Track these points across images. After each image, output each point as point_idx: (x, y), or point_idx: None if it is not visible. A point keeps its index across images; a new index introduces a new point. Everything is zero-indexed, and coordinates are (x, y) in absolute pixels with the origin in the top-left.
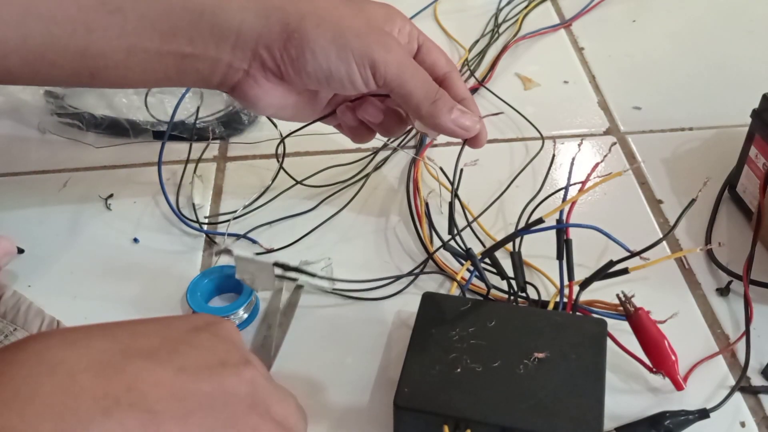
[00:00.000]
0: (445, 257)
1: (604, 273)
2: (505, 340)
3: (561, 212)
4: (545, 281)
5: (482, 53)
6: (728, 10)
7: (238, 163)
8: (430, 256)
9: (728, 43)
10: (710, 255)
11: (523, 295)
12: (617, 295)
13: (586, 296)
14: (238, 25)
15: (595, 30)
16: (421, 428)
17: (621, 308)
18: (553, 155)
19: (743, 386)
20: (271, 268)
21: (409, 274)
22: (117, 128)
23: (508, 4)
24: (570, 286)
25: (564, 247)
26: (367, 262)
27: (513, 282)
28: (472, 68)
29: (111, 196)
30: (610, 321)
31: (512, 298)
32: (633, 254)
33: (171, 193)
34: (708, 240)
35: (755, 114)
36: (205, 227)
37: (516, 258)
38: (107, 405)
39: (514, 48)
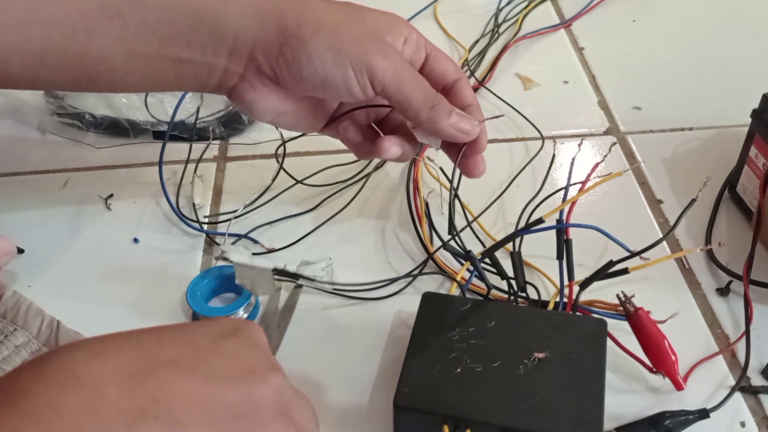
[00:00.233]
0: (445, 257)
1: (604, 273)
2: (505, 340)
3: (561, 212)
4: (545, 281)
5: (482, 53)
6: (728, 10)
7: (238, 163)
8: (431, 256)
9: (728, 43)
10: (710, 255)
11: (523, 295)
12: (617, 295)
13: (586, 296)
14: (236, 30)
15: (595, 30)
16: (421, 428)
17: (621, 308)
18: (553, 155)
19: (743, 386)
20: (270, 274)
21: (409, 274)
22: (117, 128)
23: (508, 4)
24: (570, 286)
25: (564, 247)
26: (367, 262)
27: (513, 282)
28: (472, 68)
29: (111, 196)
30: (610, 321)
31: (512, 298)
32: (633, 254)
33: (171, 193)
34: (708, 240)
35: (755, 114)
36: (205, 227)
37: (516, 258)
38: (133, 418)
39: (514, 48)
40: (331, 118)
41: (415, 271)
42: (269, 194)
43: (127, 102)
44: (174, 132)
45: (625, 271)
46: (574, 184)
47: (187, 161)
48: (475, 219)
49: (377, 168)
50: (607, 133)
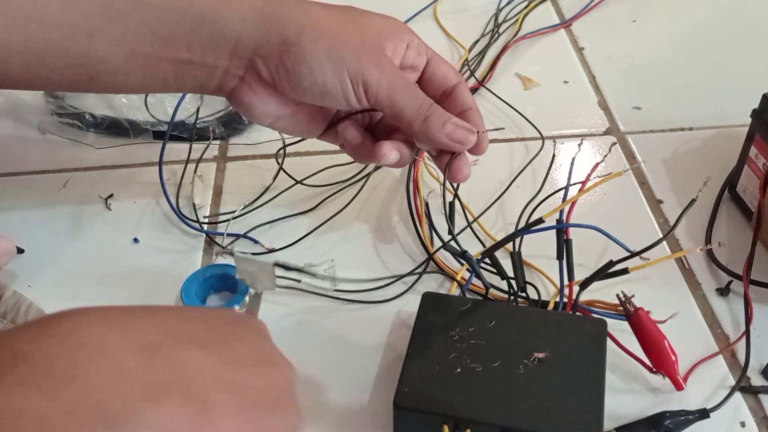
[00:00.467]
0: (445, 257)
1: (604, 273)
2: (505, 340)
3: (561, 212)
4: (545, 281)
5: (482, 53)
6: (728, 10)
7: (238, 163)
8: (431, 256)
9: (728, 43)
10: (710, 255)
11: (523, 295)
12: (617, 295)
13: (586, 296)
14: (237, 35)
15: (595, 30)
16: (421, 428)
17: (621, 308)
18: (553, 155)
19: (743, 386)
20: (272, 268)
21: (410, 274)
22: (117, 128)
23: (508, 4)
24: (570, 286)
25: (564, 247)
26: (367, 262)
27: (513, 282)
28: (472, 68)
29: (111, 196)
30: (610, 321)
31: (512, 298)
32: (633, 254)
33: (171, 193)
34: (708, 240)
35: (755, 114)
36: (205, 227)
37: (516, 258)
38: (155, 391)
39: (514, 48)
40: (330, 123)
41: (416, 272)
42: (269, 194)
43: (127, 102)
44: (174, 132)
45: (625, 271)
46: (574, 184)
47: (187, 161)
48: (475, 219)
49: (377, 168)
50: (607, 133)
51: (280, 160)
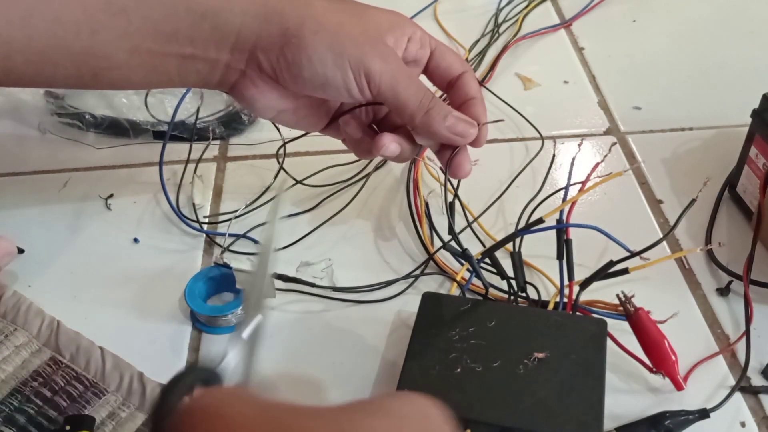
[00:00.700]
0: (445, 257)
1: (604, 273)
2: (505, 340)
3: (561, 212)
4: (545, 281)
5: (482, 53)
6: (728, 10)
7: (238, 163)
8: (431, 256)
9: (728, 43)
10: (710, 255)
11: (523, 295)
12: (617, 295)
13: (586, 296)
14: (239, 28)
15: (595, 30)
16: None
17: (621, 308)
18: (553, 155)
19: (743, 386)
20: (271, 278)
21: (409, 275)
22: (117, 128)
23: (508, 4)
24: (570, 286)
25: (564, 247)
26: (367, 262)
27: (513, 282)
28: (472, 68)
29: (111, 196)
30: (610, 321)
31: (512, 298)
32: (633, 254)
33: (171, 193)
34: (708, 240)
35: (755, 114)
36: (205, 227)
37: (516, 258)
38: None
39: (514, 48)
40: (333, 117)
41: (416, 272)
42: (269, 194)
43: (127, 102)
44: (174, 132)
45: (625, 271)
46: (574, 184)
47: (187, 161)
48: (475, 219)
49: (377, 168)
50: (607, 133)
51: (280, 160)
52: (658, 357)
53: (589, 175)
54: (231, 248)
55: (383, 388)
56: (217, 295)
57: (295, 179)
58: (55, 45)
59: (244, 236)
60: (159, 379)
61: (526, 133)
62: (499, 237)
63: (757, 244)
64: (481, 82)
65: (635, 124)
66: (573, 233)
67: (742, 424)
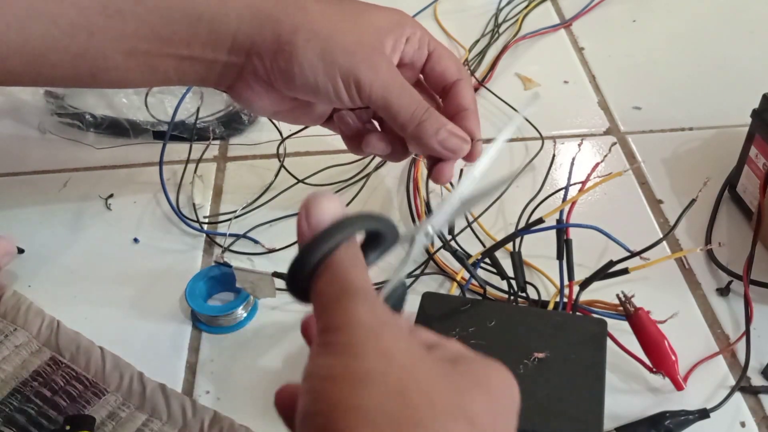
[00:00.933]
0: (445, 257)
1: (604, 273)
2: (505, 340)
3: (561, 212)
4: (545, 281)
5: (482, 53)
6: (728, 10)
7: (238, 163)
8: (431, 256)
9: (728, 43)
10: (710, 255)
11: (523, 295)
12: (617, 295)
13: (586, 296)
14: (234, 32)
15: (595, 30)
16: None
17: (621, 308)
18: (553, 155)
19: (743, 386)
20: (271, 278)
21: (410, 275)
22: (117, 128)
23: (508, 4)
24: (570, 286)
25: (564, 247)
26: None
27: (513, 282)
28: (472, 68)
29: (111, 196)
30: (610, 321)
31: (512, 298)
32: (633, 254)
33: (171, 193)
34: (708, 240)
35: (755, 114)
36: (205, 227)
37: (516, 258)
38: None
39: (514, 48)
40: (332, 112)
41: (416, 272)
42: (269, 194)
43: (127, 102)
44: (174, 132)
45: (625, 271)
46: (574, 184)
47: (187, 161)
48: (475, 219)
49: (377, 168)
50: (607, 133)
51: (281, 158)
52: (658, 357)
53: (589, 175)
54: (231, 248)
55: None
56: (218, 294)
57: (296, 178)
58: (52, 47)
59: (244, 236)
60: (159, 379)
61: (526, 133)
62: (499, 237)
63: (757, 244)
64: (481, 82)
65: (635, 124)
66: (573, 233)
67: (742, 424)
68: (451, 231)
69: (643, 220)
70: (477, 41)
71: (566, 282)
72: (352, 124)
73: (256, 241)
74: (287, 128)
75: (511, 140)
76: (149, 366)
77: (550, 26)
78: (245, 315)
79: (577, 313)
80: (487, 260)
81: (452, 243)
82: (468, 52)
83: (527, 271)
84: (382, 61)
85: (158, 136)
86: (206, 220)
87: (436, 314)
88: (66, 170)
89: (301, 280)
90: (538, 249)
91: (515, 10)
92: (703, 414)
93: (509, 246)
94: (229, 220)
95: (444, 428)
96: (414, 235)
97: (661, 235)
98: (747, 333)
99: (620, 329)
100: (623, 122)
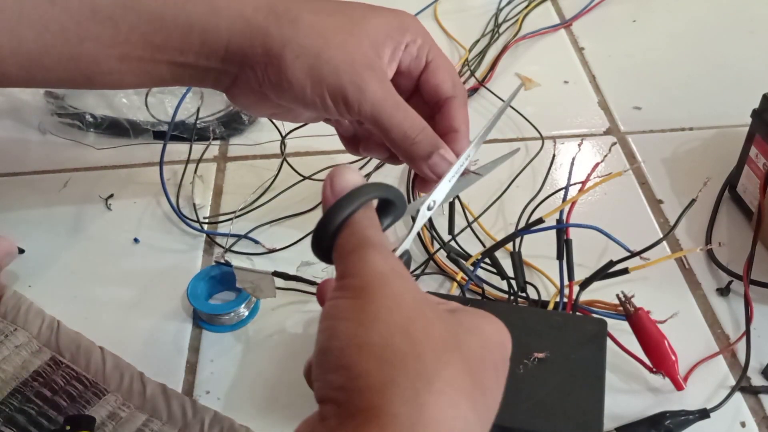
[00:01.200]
0: (445, 257)
1: (604, 273)
2: None
3: (561, 212)
4: (545, 281)
5: (482, 53)
6: (729, 10)
7: (239, 163)
8: (431, 256)
9: (728, 43)
10: (710, 255)
11: (523, 295)
12: (617, 295)
13: (586, 296)
14: (226, 44)
15: (595, 30)
16: None
17: (621, 308)
18: (553, 155)
19: (743, 386)
20: (271, 278)
21: (410, 274)
22: (117, 128)
23: (508, 4)
24: (570, 286)
25: (564, 247)
26: None
27: (513, 282)
28: (472, 68)
29: (111, 196)
30: (610, 321)
31: (512, 298)
32: (633, 254)
33: (171, 193)
34: (708, 240)
35: (755, 114)
36: (205, 227)
37: (516, 258)
38: None
39: (514, 48)
40: None
41: (416, 272)
42: (269, 194)
43: (127, 102)
44: (174, 132)
45: (625, 271)
46: (574, 184)
47: (188, 161)
48: (475, 219)
49: (377, 168)
50: (607, 133)
51: (283, 153)
52: (658, 357)
53: (589, 175)
54: (232, 248)
55: None
56: (218, 294)
57: (302, 175)
58: (45, 51)
59: (244, 236)
60: (159, 380)
61: (526, 133)
62: (499, 237)
63: (757, 244)
64: (481, 82)
65: (635, 124)
66: (573, 233)
67: (742, 424)
68: (451, 231)
69: (643, 220)
70: (477, 41)
71: (566, 282)
72: (349, 128)
73: (256, 242)
74: (287, 126)
75: (511, 140)
76: (149, 366)
77: (550, 26)
78: (247, 313)
79: (577, 313)
80: (487, 260)
81: (451, 243)
82: (468, 52)
83: (527, 271)
84: (372, 79)
85: (158, 136)
86: (206, 221)
87: None
88: (66, 170)
89: (325, 238)
90: (538, 249)
91: (515, 10)
92: (703, 414)
93: (509, 246)
94: (230, 220)
95: (440, 360)
96: (418, 208)
97: (661, 235)
98: (747, 333)
99: (620, 329)
100: (623, 122)
